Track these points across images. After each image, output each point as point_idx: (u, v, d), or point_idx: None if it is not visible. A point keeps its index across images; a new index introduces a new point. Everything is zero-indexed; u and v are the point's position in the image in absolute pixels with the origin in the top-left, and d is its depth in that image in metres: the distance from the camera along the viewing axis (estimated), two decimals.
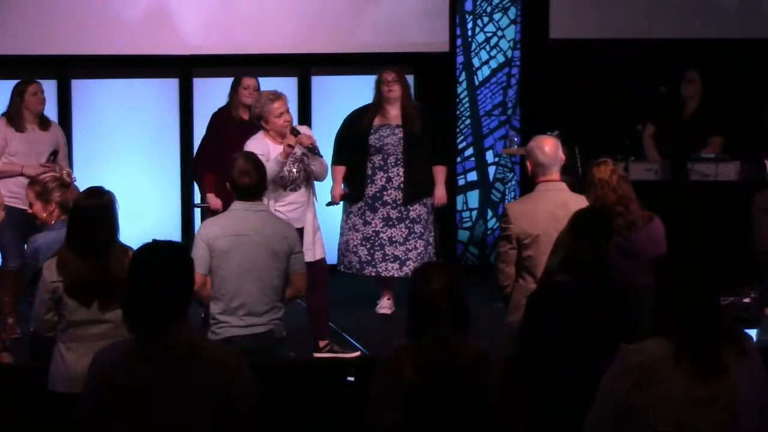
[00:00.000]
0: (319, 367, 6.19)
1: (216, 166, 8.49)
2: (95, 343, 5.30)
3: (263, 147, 7.62)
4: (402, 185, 8.83)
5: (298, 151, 7.70)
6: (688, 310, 4.03)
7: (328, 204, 8.91)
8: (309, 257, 7.77)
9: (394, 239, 8.84)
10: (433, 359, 4.25)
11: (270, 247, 6.19)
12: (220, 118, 8.79)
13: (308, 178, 7.82)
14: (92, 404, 4.03)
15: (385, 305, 9.03)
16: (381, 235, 8.84)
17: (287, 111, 7.73)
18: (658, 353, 4.00)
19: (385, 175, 8.84)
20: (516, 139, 10.61)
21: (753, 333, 6.49)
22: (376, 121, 8.87)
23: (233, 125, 8.63)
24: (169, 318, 4.02)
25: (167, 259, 4.10)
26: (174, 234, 9.90)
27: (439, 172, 8.94)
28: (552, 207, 5.99)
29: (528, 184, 10.47)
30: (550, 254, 5.73)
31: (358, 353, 7.79)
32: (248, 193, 6.25)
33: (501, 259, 6.29)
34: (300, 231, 7.70)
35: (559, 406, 4.82)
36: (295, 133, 7.68)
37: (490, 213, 10.85)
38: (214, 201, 8.56)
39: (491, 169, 10.82)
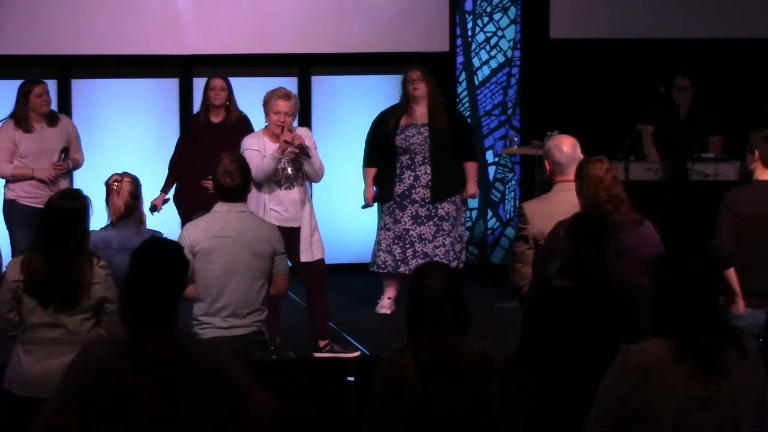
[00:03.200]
0: (319, 367, 6.19)
1: (181, 166, 8.74)
2: (51, 347, 5.32)
3: (259, 143, 7.69)
4: (430, 183, 8.86)
5: (291, 149, 7.75)
6: (688, 311, 4.03)
7: (363, 207, 8.96)
8: (307, 257, 7.79)
9: (423, 237, 8.88)
10: (433, 360, 4.25)
11: (252, 248, 6.18)
12: (192, 120, 8.95)
13: (303, 178, 7.84)
14: (73, 393, 4.02)
15: (385, 305, 9.04)
16: (411, 232, 8.89)
17: (287, 114, 7.74)
18: (659, 354, 4.00)
19: (413, 174, 8.87)
20: (516, 139, 10.61)
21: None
22: (403, 121, 8.90)
23: (202, 127, 8.73)
24: (163, 315, 4.05)
25: (166, 258, 4.13)
26: (173, 234, 9.88)
27: (470, 168, 9.00)
28: (569, 207, 5.91)
29: (528, 184, 10.56)
30: (548, 259, 5.71)
31: (357, 353, 7.79)
32: (231, 194, 6.23)
33: (517, 259, 6.25)
34: (296, 230, 7.72)
35: (560, 409, 4.81)
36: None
37: (490, 213, 10.85)
38: (158, 198, 8.80)
39: (491, 169, 10.82)
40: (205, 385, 4.02)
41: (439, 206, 8.91)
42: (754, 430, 4.05)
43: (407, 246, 8.90)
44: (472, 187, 9.00)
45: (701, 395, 3.98)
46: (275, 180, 7.75)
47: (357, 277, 9.30)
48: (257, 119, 8.23)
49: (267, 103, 7.81)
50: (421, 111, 8.89)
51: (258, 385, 4.18)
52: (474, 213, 10.79)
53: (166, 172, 8.95)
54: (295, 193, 7.80)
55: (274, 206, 7.69)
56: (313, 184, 8.31)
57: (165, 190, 8.88)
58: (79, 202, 5.50)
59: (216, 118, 8.71)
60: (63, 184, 8.46)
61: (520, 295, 6.28)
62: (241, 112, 8.77)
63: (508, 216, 10.85)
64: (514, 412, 4.31)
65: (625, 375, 4.01)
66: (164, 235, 6.11)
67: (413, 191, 8.89)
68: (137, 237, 6.13)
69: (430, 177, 8.87)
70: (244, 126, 8.61)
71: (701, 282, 4.08)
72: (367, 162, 8.98)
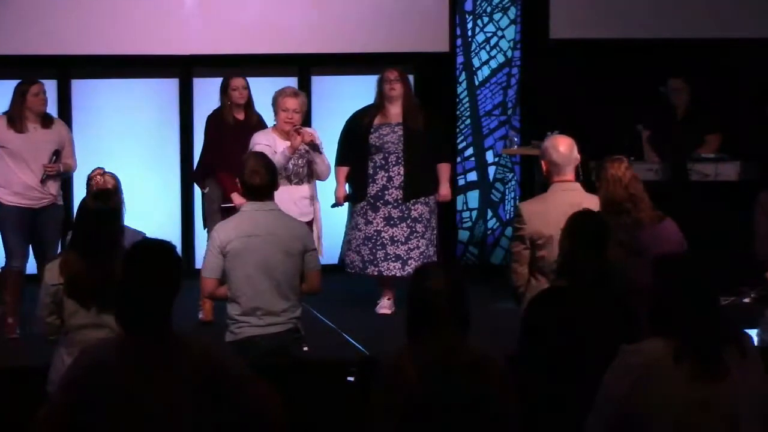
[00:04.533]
0: (319, 367, 6.19)
1: (225, 164, 8.55)
2: None
3: (270, 139, 7.88)
4: (402, 184, 8.85)
5: (301, 146, 7.80)
6: (688, 311, 4.03)
7: (333, 205, 8.95)
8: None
9: (395, 238, 8.85)
10: (433, 360, 4.25)
11: (283, 246, 6.20)
12: (215, 121, 8.81)
13: (311, 174, 7.95)
14: (71, 400, 4.02)
15: (385, 305, 9.03)
16: (383, 234, 8.85)
17: (296, 112, 7.89)
18: (658, 354, 4.00)
19: (387, 174, 8.85)
20: (516, 139, 10.60)
21: (753, 333, 6.49)
22: (377, 120, 8.89)
23: (228, 127, 8.65)
24: (159, 315, 4.04)
25: (157, 257, 4.12)
26: (174, 234, 9.89)
27: (444, 170, 8.97)
28: (566, 207, 5.91)
29: (528, 184, 10.56)
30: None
31: (305, 349, 7.84)
32: (259, 193, 6.27)
33: (514, 259, 6.26)
34: (308, 225, 7.77)
35: (559, 409, 4.81)
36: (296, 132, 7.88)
37: (489, 213, 10.85)
38: (238, 199, 8.33)
39: (491, 169, 10.82)
40: (204, 382, 4.02)
41: (413, 207, 8.87)
42: (754, 430, 4.05)
43: (378, 248, 8.86)
44: (444, 189, 8.95)
45: (701, 395, 3.98)
46: (286, 176, 7.86)
47: (357, 277, 9.29)
48: None
49: (275, 102, 7.99)
50: (395, 111, 8.89)
51: (259, 379, 4.17)
52: (474, 213, 10.79)
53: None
54: (305, 189, 7.94)
55: (284, 200, 7.77)
56: (319, 185, 8.39)
57: (234, 189, 8.59)
58: (112, 202, 5.55)
59: (239, 116, 8.70)
60: (53, 188, 8.43)
61: (517, 294, 6.29)
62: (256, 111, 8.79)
63: (508, 216, 10.85)
64: (514, 412, 4.31)
65: (625, 375, 4.01)
66: (146, 235, 6.16)
67: (386, 192, 8.86)
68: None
69: (403, 178, 8.86)
70: (263, 124, 8.65)
71: (701, 282, 4.08)
72: (340, 160, 8.94)
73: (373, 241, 8.86)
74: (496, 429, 4.27)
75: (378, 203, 8.86)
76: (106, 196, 5.64)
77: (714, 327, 4.04)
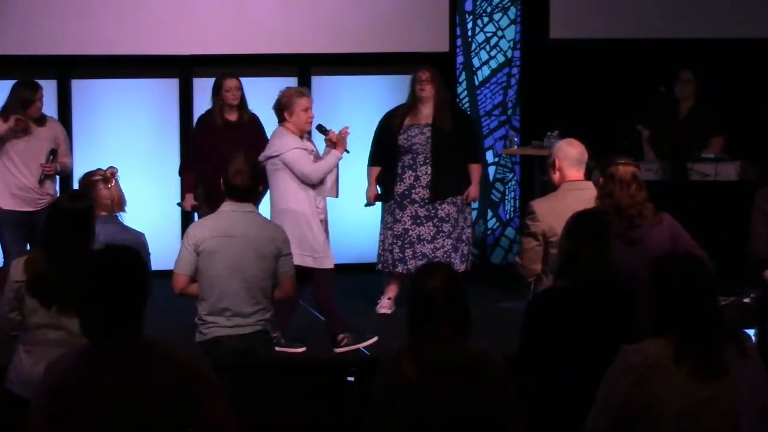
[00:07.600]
0: (319, 367, 6.19)
1: (200, 167, 8.67)
2: (51, 348, 5.26)
3: (299, 142, 7.81)
4: (429, 183, 8.87)
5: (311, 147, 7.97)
6: (688, 311, 4.03)
7: (366, 205, 9.00)
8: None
9: (422, 237, 8.89)
10: (433, 360, 4.25)
11: (256, 248, 6.16)
12: (206, 120, 8.85)
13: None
14: (46, 414, 3.97)
15: (385, 305, 9.04)
16: (410, 232, 8.90)
17: (311, 108, 7.91)
18: (659, 353, 4.00)
19: (414, 174, 8.88)
20: (516, 139, 10.61)
21: (752, 333, 6.48)
22: (407, 121, 8.92)
23: (217, 128, 8.66)
24: (126, 322, 3.97)
25: (122, 264, 4.03)
26: (173, 234, 9.89)
27: (474, 170, 9.05)
28: (578, 206, 5.86)
29: (528, 184, 10.56)
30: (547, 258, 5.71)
31: (303, 349, 7.84)
32: (239, 194, 6.23)
33: (527, 256, 6.24)
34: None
35: (560, 409, 4.81)
36: (324, 130, 8.02)
37: (490, 213, 10.86)
38: (187, 202, 8.86)
39: (491, 169, 10.82)
40: (179, 388, 3.93)
41: (439, 207, 8.91)
42: (754, 429, 4.05)
43: (406, 246, 8.90)
44: (474, 191, 9.03)
45: (701, 395, 3.98)
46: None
47: (357, 277, 9.30)
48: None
49: (289, 103, 7.79)
50: (426, 111, 8.91)
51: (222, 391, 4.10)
52: (474, 213, 10.79)
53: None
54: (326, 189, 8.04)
55: (318, 203, 7.88)
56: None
57: (191, 190, 8.85)
58: (85, 204, 5.50)
59: (231, 117, 8.71)
60: (50, 188, 8.44)
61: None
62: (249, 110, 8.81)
63: (508, 216, 10.85)
64: (514, 412, 4.31)
65: (625, 375, 4.01)
66: (145, 235, 6.16)
67: (413, 191, 8.89)
68: (122, 233, 6.13)
69: (430, 178, 8.88)
70: (257, 124, 8.67)
71: (701, 282, 4.08)
72: (371, 161, 9.02)
73: (402, 239, 8.90)
74: (496, 429, 4.27)
75: (405, 201, 8.90)
76: (81, 197, 5.60)
77: (714, 327, 4.04)
